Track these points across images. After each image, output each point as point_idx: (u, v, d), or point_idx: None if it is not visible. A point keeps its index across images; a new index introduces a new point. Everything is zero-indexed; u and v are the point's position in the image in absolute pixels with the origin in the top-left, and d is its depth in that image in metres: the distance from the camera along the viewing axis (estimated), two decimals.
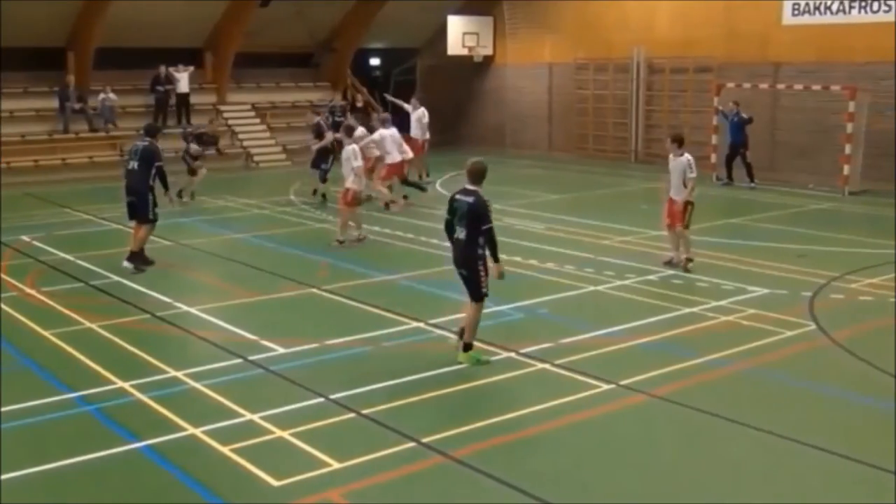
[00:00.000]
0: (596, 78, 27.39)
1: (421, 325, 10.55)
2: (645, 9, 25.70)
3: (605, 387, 8.52)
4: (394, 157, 18.36)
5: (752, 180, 21.24)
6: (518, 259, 13.60)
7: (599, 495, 6.54)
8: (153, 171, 13.16)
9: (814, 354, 9.65)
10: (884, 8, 20.86)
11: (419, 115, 21.49)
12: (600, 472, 6.99)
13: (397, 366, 9.07)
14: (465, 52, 29.71)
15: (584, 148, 27.75)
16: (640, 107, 26.37)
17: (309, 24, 28.42)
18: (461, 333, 9.25)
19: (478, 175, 9.05)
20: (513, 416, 7.84)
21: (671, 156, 13.20)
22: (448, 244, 9.51)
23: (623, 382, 8.59)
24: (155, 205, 13.26)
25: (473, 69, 30.54)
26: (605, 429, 7.76)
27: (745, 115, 21.14)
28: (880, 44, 20.79)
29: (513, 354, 9.43)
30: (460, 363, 9.11)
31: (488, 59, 30.45)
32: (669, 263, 13.15)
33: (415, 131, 21.50)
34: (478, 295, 9.10)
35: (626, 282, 12.49)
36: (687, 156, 12.93)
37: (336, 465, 6.85)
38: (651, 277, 12.61)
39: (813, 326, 10.44)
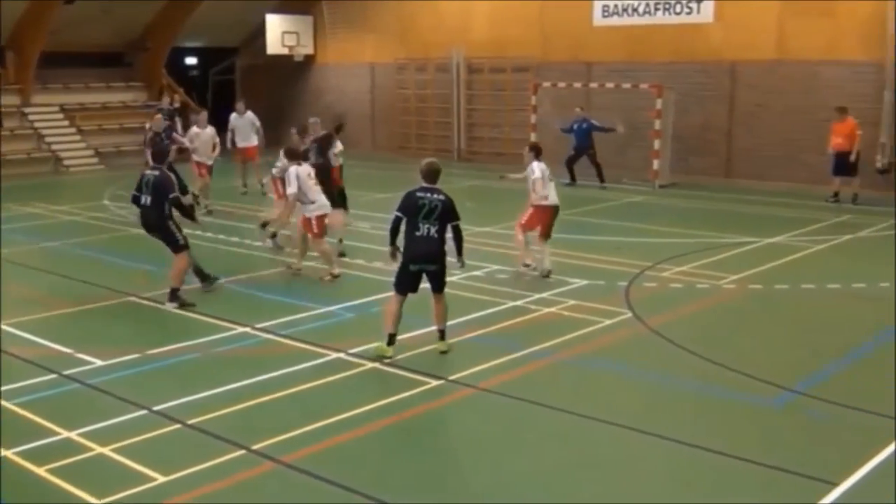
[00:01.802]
0: (417, 78, 27.69)
1: (247, 329, 10.35)
2: (461, 10, 26.19)
3: (435, 382, 8.64)
4: (204, 158, 18.26)
5: (602, 181, 21.33)
6: (346, 259, 13.59)
7: (433, 489, 6.63)
8: (166, 204, 11.52)
9: (631, 341, 10.12)
10: (685, 10, 22.13)
11: (251, 119, 20.63)
12: (432, 465, 7.09)
13: (224, 373, 8.86)
14: (285, 51, 29.35)
15: (407, 147, 27.97)
16: (462, 106, 26.84)
17: (118, 22, 27.30)
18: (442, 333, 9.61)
19: (436, 174, 9.54)
20: (345, 416, 7.81)
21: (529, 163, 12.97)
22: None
23: (452, 377, 8.74)
24: (179, 229, 11.69)
25: (294, 68, 30.24)
26: (436, 423, 7.88)
27: (595, 123, 21.26)
28: (684, 44, 22.07)
29: (342, 355, 9.41)
30: (443, 352, 9.45)
31: (309, 59, 30.22)
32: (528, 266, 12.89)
33: (245, 137, 20.33)
34: (443, 286, 9.55)
35: (453, 279, 12.64)
36: (535, 164, 12.78)
37: (162, 479, 6.62)
38: (477, 273, 12.85)
39: (629, 314, 10.94)
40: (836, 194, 18.87)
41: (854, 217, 17.18)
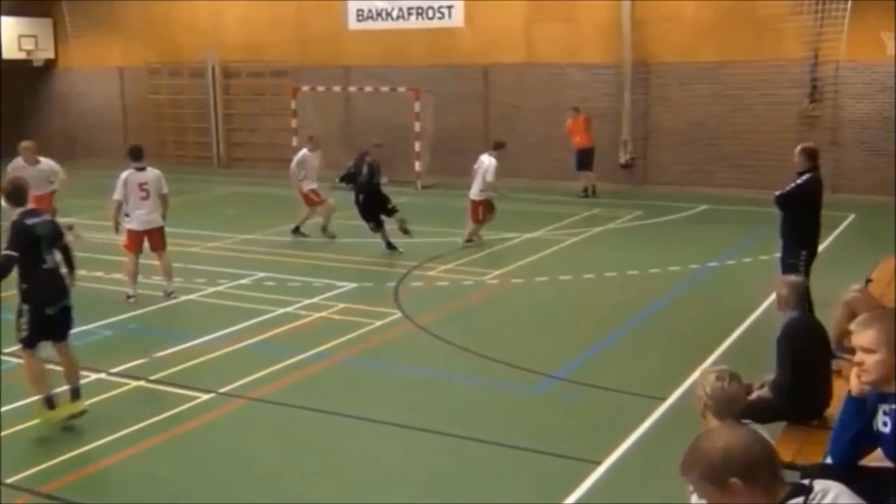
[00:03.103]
0: (170, 82, 26.76)
1: None
2: (213, 12, 25.53)
3: (205, 396, 8.41)
4: None
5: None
6: (100, 274, 12.89)
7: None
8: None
9: (401, 340, 10.30)
10: (437, 15, 22.69)
11: None
12: (206, 480, 6.90)
13: None
14: (22, 55, 27.49)
15: (163, 154, 26.85)
16: (220, 111, 26.21)
17: None
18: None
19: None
20: (109, 439, 7.44)
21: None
22: None
23: (222, 390, 8.53)
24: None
25: (34, 74, 28.36)
26: (208, 437, 7.66)
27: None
28: (438, 48, 22.64)
29: (103, 375, 8.95)
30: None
31: (50, 63, 28.46)
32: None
33: None
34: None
35: (219, 287, 12.40)
36: (491, 159, 14.86)
37: None
38: (244, 281, 12.63)
39: (399, 314, 11.12)
40: (584, 189, 20.03)
41: (603, 210, 18.29)
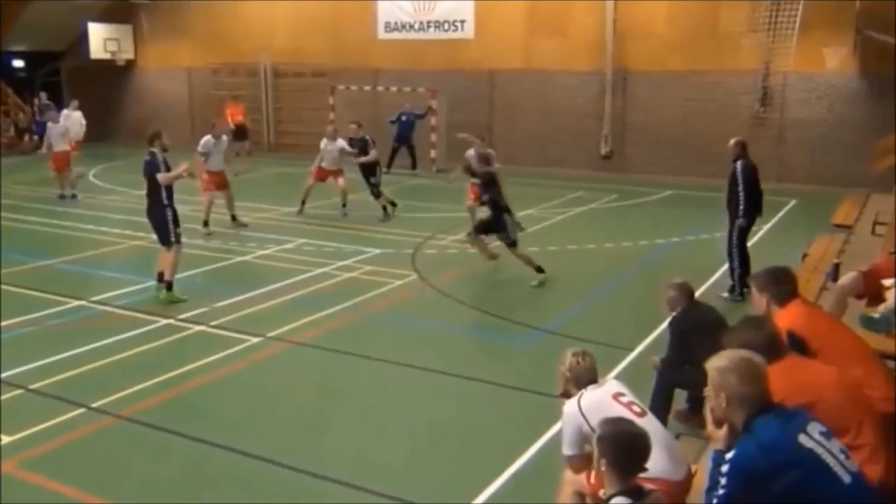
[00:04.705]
0: (229, 80, 26.63)
1: (83, 303, 9.71)
2: (265, 22, 25.45)
3: (255, 339, 8.47)
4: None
5: (414, 167, 21.22)
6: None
7: (260, 430, 6.53)
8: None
9: (416, 297, 10.33)
10: (452, 28, 22.58)
11: (78, 117, 19.91)
12: (253, 411, 6.97)
13: (62, 342, 8.28)
14: (108, 56, 27.43)
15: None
16: (270, 105, 26.16)
17: None
18: (160, 276, 9.66)
19: (151, 139, 9.70)
20: (174, 374, 7.52)
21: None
22: None
23: (270, 334, 8.60)
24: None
25: (117, 72, 28.31)
26: (256, 374, 7.74)
27: (416, 112, 20.74)
28: (452, 56, 22.52)
29: (171, 321, 9.03)
30: (163, 300, 9.53)
31: (130, 63, 28.39)
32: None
33: (75, 134, 19.50)
34: (168, 241, 9.63)
35: (267, 251, 12.45)
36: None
37: (6, 440, 6.15)
38: (287, 246, 12.67)
39: (415, 276, 11.15)
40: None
41: (586, 193, 18.20)
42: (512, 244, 10.68)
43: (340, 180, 15.11)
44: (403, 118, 21.08)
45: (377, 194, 15.11)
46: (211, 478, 5.78)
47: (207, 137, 14.03)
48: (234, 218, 14.12)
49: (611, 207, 16.84)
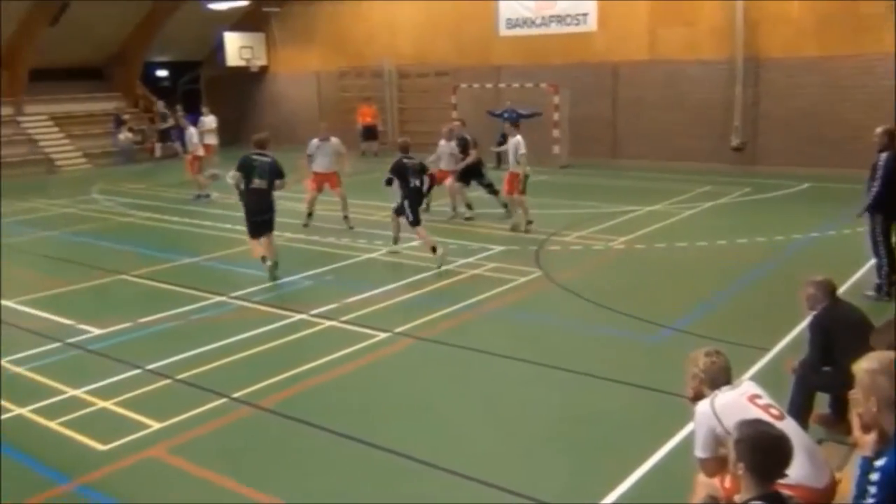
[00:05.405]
0: (356, 83, 27.38)
1: (223, 298, 10.23)
2: (388, 26, 25.98)
3: (383, 335, 8.66)
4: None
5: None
6: (302, 235, 13.48)
7: (384, 421, 6.68)
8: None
9: (541, 294, 10.27)
10: (574, 22, 22.29)
11: (210, 122, 21.55)
12: (382, 404, 7.13)
13: (204, 335, 8.76)
14: (242, 63, 28.77)
15: (348, 141, 27.57)
16: (395, 105, 26.68)
17: (97, 41, 26.39)
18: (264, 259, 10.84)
19: (263, 143, 11.03)
20: (308, 367, 7.80)
21: (509, 137, 14.02)
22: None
23: (397, 330, 8.77)
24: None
25: (251, 78, 29.65)
26: (385, 368, 7.91)
27: (522, 111, 20.34)
28: (574, 50, 22.24)
29: (304, 316, 9.37)
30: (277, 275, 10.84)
31: (264, 69, 29.65)
32: (513, 228, 13.64)
33: (209, 138, 20.92)
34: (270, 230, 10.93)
35: (394, 248, 12.68)
36: (518, 137, 13.62)
37: (157, 426, 6.56)
38: (413, 244, 12.87)
39: (539, 272, 11.09)
40: None
41: (716, 187, 17.61)
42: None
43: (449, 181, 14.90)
44: (505, 115, 20.91)
45: (493, 192, 15.03)
46: (352, 472, 5.95)
47: (314, 140, 14.71)
48: (345, 218, 14.44)
49: (743, 201, 16.19)
